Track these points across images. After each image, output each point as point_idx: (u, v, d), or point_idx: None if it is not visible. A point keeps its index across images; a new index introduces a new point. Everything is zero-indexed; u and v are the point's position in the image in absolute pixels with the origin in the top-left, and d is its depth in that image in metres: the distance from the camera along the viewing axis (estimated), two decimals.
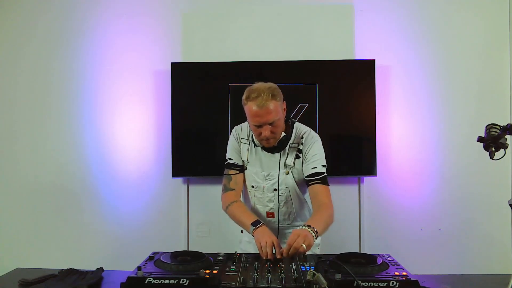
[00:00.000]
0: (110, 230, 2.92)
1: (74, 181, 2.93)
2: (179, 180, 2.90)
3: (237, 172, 1.87)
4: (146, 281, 1.28)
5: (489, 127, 1.54)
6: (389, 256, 1.56)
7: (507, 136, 1.47)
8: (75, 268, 1.56)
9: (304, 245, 1.45)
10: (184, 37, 2.88)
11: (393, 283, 1.25)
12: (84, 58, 2.94)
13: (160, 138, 2.90)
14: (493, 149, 1.48)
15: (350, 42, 2.83)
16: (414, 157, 2.86)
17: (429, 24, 2.86)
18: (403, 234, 2.85)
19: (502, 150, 1.49)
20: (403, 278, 1.28)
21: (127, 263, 1.86)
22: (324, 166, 1.79)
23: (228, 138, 1.92)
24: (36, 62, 2.96)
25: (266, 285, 1.29)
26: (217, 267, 1.41)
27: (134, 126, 2.91)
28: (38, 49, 2.95)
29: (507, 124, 1.50)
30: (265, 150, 1.82)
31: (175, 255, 1.53)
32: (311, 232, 1.53)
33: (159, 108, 2.90)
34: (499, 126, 1.52)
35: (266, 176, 1.83)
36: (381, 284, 1.25)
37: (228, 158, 1.90)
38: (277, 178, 1.81)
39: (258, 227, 1.65)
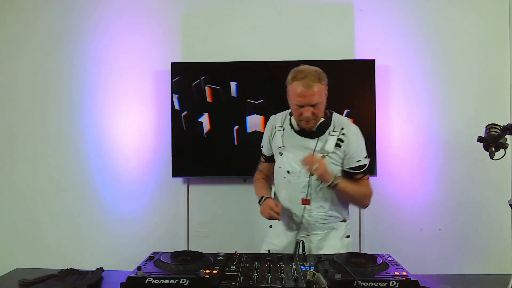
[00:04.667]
0: (110, 230, 2.92)
1: (74, 181, 2.93)
2: (179, 180, 2.90)
3: (263, 161, 2.00)
4: (146, 281, 1.28)
5: (489, 127, 1.54)
6: (389, 256, 1.56)
7: (507, 136, 1.48)
8: (75, 268, 1.56)
9: (316, 166, 1.63)
10: (184, 37, 2.87)
11: (393, 283, 1.25)
12: (84, 58, 2.94)
13: (160, 138, 2.90)
14: (493, 149, 1.49)
15: (350, 42, 2.83)
16: (414, 157, 2.86)
17: (429, 24, 2.86)
18: (403, 234, 2.85)
19: (502, 150, 1.49)
20: (403, 278, 1.28)
21: (127, 263, 1.85)
22: (366, 157, 1.83)
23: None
24: (36, 62, 2.95)
25: (266, 285, 1.29)
26: (217, 267, 1.41)
27: (134, 126, 2.92)
28: (38, 49, 2.95)
29: (507, 124, 1.50)
30: (301, 136, 1.82)
31: (175, 255, 1.53)
32: (333, 175, 1.69)
33: (159, 108, 2.90)
34: (499, 126, 1.52)
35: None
36: (381, 284, 1.25)
37: (261, 145, 2.00)
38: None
39: (262, 202, 1.79)
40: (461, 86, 2.85)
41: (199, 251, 1.57)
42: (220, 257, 1.55)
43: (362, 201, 1.88)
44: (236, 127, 2.76)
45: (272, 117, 1.96)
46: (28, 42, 2.96)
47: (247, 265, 1.48)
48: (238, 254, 1.61)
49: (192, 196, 2.91)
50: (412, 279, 1.28)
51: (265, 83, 2.77)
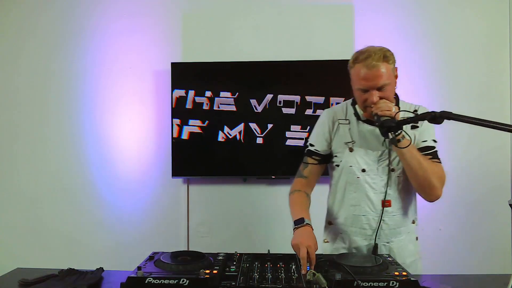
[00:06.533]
0: (110, 230, 2.92)
1: (74, 181, 2.93)
2: (179, 180, 2.90)
3: (316, 162, 1.68)
4: (146, 281, 1.28)
5: (379, 112, 1.46)
6: (389, 256, 1.55)
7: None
8: (75, 268, 1.56)
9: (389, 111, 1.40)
10: (184, 37, 2.88)
11: (393, 283, 1.25)
12: (84, 58, 2.94)
13: (160, 138, 2.90)
14: (392, 134, 1.39)
15: (350, 42, 2.82)
16: None
17: (429, 24, 2.86)
18: None
19: (406, 139, 1.42)
20: (403, 278, 1.28)
21: (127, 263, 1.85)
22: (435, 141, 1.62)
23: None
24: (36, 63, 2.95)
25: (266, 285, 1.29)
26: (217, 267, 1.40)
27: (134, 126, 2.92)
28: (38, 49, 2.95)
29: (432, 111, 1.45)
30: (371, 126, 1.61)
31: (175, 255, 1.52)
32: (405, 134, 1.42)
33: (159, 108, 2.90)
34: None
35: (379, 156, 1.61)
36: (381, 284, 1.25)
37: (309, 144, 1.72)
38: (393, 156, 1.58)
39: (299, 227, 1.48)
40: (461, 86, 2.85)
41: (199, 251, 1.57)
42: (220, 257, 1.55)
43: (433, 181, 1.56)
44: (237, 128, 2.77)
45: (327, 111, 1.75)
46: (28, 43, 2.95)
47: (247, 265, 1.48)
48: (238, 254, 1.60)
49: (192, 196, 2.91)
50: (412, 279, 1.28)
51: (265, 83, 2.77)
